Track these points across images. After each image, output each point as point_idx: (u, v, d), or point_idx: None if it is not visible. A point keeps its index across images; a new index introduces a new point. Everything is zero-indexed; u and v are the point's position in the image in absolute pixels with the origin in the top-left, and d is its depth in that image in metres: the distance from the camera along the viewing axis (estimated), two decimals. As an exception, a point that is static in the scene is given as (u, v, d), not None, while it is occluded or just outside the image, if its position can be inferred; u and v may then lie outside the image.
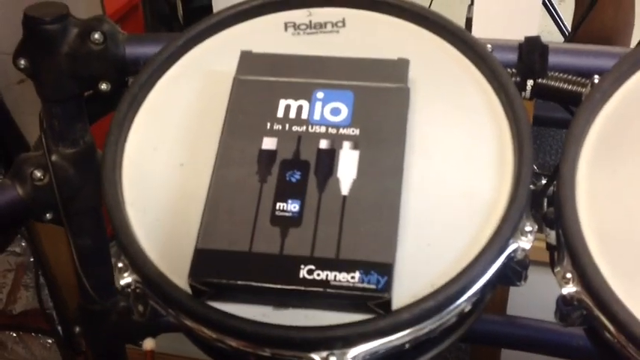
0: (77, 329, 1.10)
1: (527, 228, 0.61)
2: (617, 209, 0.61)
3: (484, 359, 1.27)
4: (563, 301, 0.61)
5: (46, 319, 1.57)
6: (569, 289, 0.59)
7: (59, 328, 1.61)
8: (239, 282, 0.57)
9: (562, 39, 1.94)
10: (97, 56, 0.86)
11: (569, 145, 0.63)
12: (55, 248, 1.48)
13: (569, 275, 0.59)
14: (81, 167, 0.93)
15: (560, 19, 1.96)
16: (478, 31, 0.90)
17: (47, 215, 0.95)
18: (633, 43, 1.61)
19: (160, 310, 0.61)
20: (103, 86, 0.88)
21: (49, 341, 1.64)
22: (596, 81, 0.67)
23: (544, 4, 1.88)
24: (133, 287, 0.62)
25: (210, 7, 1.39)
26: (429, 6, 1.14)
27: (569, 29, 1.93)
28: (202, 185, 0.62)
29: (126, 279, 0.61)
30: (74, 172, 0.92)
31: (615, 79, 0.66)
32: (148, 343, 0.74)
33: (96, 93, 0.90)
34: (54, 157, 0.92)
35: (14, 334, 1.64)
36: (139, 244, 0.61)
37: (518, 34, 0.82)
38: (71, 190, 0.93)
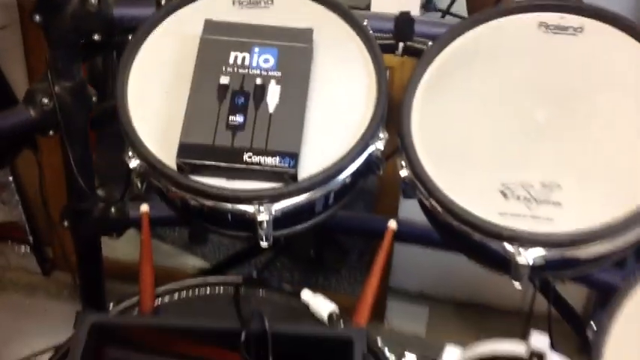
0: (65, 223, 1.39)
1: (381, 135, 0.99)
2: (435, 124, 1.00)
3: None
4: (403, 181, 0.99)
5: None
6: (404, 172, 0.98)
7: (30, 238, 1.89)
8: (206, 162, 0.94)
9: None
10: (93, 15, 1.17)
11: (410, 85, 1.02)
12: (29, 173, 1.68)
13: (403, 163, 0.98)
14: (75, 97, 1.24)
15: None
16: (376, 7, 1.29)
17: (50, 132, 1.26)
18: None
19: (154, 182, 0.97)
20: (96, 37, 1.20)
21: (23, 249, 1.89)
22: (429, 45, 1.06)
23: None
24: (138, 169, 0.97)
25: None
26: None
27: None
28: (182, 104, 0.98)
29: (133, 162, 0.97)
30: (71, 100, 1.23)
31: (441, 44, 1.05)
32: (144, 207, 1.05)
33: (89, 41, 1.22)
34: (57, 89, 1.22)
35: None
36: (141, 140, 0.97)
37: (403, 8, 1.16)
38: (69, 113, 1.24)
